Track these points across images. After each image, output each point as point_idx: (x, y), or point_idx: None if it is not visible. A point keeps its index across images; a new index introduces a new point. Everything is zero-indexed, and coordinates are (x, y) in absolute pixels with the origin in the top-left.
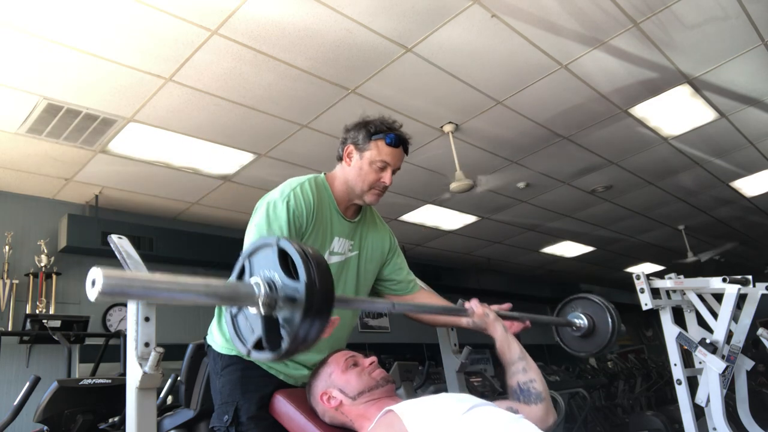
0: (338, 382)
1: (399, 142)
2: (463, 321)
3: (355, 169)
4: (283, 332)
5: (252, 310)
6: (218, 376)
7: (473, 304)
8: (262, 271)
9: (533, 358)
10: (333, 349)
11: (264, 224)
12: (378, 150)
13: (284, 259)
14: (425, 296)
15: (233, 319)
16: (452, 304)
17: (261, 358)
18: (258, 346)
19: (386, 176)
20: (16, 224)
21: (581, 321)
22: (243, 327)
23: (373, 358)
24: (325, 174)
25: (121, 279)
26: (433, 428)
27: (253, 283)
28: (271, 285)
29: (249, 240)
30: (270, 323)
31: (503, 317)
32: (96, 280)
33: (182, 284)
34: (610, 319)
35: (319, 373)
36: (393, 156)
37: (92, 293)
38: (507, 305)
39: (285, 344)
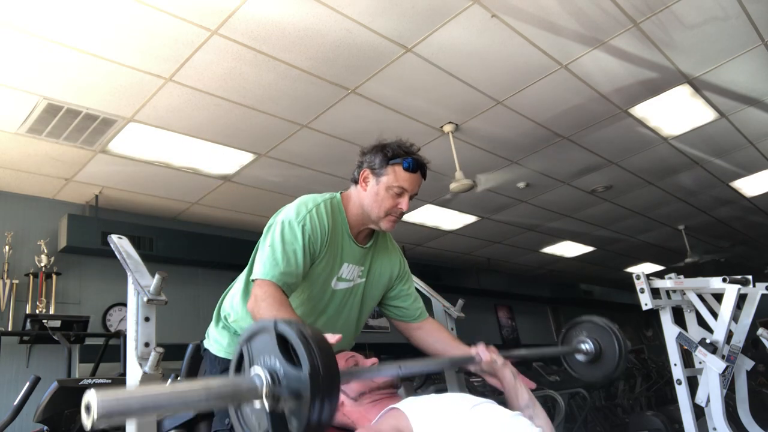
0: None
1: (417, 166)
2: (473, 368)
3: (371, 195)
4: (291, 427)
5: (256, 403)
6: None
7: (480, 351)
8: (262, 359)
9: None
10: (339, 349)
11: (279, 246)
12: (395, 175)
13: (284, 344)
14: (432, 327)
15: (237, 410)
16: (460, 352)
17: None
18: None
19: (403, 202)
20: (16, 224)
21: (587, 346)
22: (248, 419)
23: (374, 360)
24: (340, 194)
25: (116, 400)
26: (440, 425)
27: (254, 375)
28: (273, 375)
29: (262, 260)
30: (276, 419)
31: (508, 358)
32: (90, 404)
33: (181, 394)
34: (615, 342)
35: None
36: (410, 181)
37: (88, 421)
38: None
39: None
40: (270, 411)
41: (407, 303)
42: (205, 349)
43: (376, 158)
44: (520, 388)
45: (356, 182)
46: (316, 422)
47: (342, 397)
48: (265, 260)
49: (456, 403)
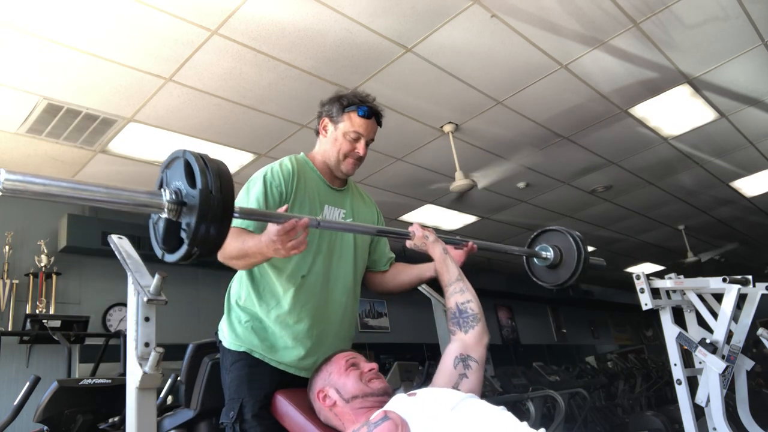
0: (336, 382)
1: (371, 113)
2: (407, 243)
3: (330, 140)
4: (183, 235)
5: (163, 216)
6: (227, 372)
7: (414, 228)
8: (173, 183)
9: (533, 358)
10: (339, 335)
11: (244, 198)
12: (351, 122)
13: (189, 170)
14: (398, 265)
15: (154, 226)
16: (420, 270)
17: (171, 259)
18: (170, 249)
19: (360, 147)
20: (16, 224)
21: (548, 253)
22: (158, 228)
23: (374, 365)
24: (304, 153)
25: (22, 178)
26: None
27: (162, 191)
28: (177, 193)
29: None
30: (171, 226)
31: (446, 242)
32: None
33: (83, 189)
34: (576, 251)
35: (320, 370)
36: (365, 127)
37: None
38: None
39: (184, 247)
40: (167, 219)
41: (386, 250)
42: (219, 341)
43: (334, 107)
44: (450, 263)
45: (317, 132)
46: (203, 236)
47: (336, 396)
48: None
49: (437, 406)
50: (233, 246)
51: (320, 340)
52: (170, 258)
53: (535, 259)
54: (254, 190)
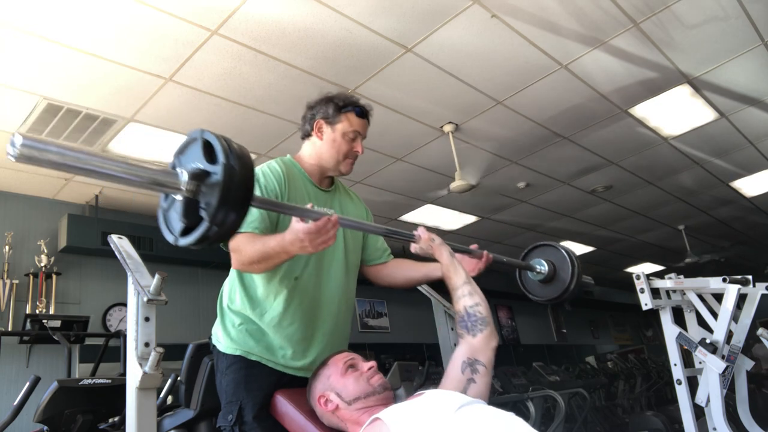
0: (336, 386)
1: (365, 113)
2: (413, 247)
3: (328, 142)
4: (203, 213)
5: (178, 198)
6: (223, 375)
7: (420, 231)
8: (188, 164)
9: (533, 358)
10: (333, 330)
11: None
12: (349, 122)
13: (209, 149)
14: (400, 261)
15: (164, 213)
16: (428, 269)
17: (186, 242)
18: (184, 233)
19: (358, 146)
20: (16, 224)
21: (542, 267)
22: (172, 219)
23: (373, 363)
24: (290, 156)
25: (40, 143)
26: None
27: (178, 171)
28: (195, 173)
29: None
30: (190, 204)
31: (456, 251)
32: (15, 140)
33: (99, 161)
34: (570, 266)
35: (318, 374)
36: (362, 126)
37: (11, 151)
38: (473, 245)
39: (204, 224)
40: (185, 197)
41: (378, 244)
42: (213, 346)
43: (329, 109)
44: (458, 267)
45: (308, 135)
46: (225, 213)
47: (337, 400)
48: None
49: (440, 407)
50: (252, 249)
51: (316, 340)
52: (185, 241)
53: (528, 273)
54: None
